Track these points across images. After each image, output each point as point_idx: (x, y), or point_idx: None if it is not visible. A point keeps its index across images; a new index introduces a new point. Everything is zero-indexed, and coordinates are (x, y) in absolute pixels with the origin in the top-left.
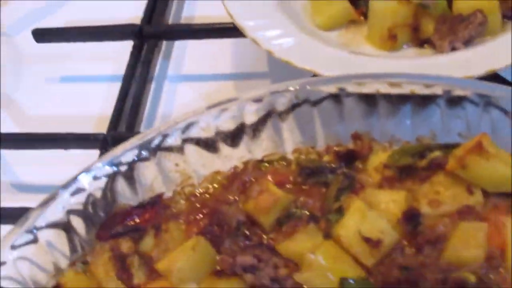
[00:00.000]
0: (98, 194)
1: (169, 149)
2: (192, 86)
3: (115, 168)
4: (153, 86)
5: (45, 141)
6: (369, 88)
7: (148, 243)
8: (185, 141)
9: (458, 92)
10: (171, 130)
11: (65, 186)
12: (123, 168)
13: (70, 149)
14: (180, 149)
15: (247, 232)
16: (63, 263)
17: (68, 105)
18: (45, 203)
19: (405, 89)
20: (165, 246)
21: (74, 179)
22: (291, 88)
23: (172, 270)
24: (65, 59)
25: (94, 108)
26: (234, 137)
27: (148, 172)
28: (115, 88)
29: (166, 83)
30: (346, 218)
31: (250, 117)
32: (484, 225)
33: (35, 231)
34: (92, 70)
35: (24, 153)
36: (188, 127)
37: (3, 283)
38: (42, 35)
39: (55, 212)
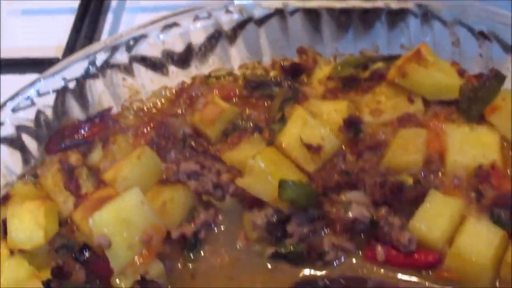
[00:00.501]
0: (48, 110)
1: (117, 66)
2: (150, 16)
3: (62, 83)
4: (110, 16)
5: (1, 67)
6: (313, 3)
7: (96, 155)
8: (133, 59)
9: (399, 5)
10: (118, 43)
11: (11, 98)
12: (71, 84)
13: (26, 74)
14: (128, 67)
15: (193, 144)
16: (14, 176)
17: (28, 37)
18: None
19: (348, 3)
20: (113, 158)
21: (21, 91)
22: (236, 3)
23: (117, 178)
24: None
25: (53, 39)
26: (182, 58)
27: (96, 87)
28: (72, 19)
29: (124, 13)
30: (288, 126)
31: (198, 36)
32: (423, 131)
33: None
34: (52, 3)
35: None
36: (135, 41)
37: None
38: None
39: (5, 128)
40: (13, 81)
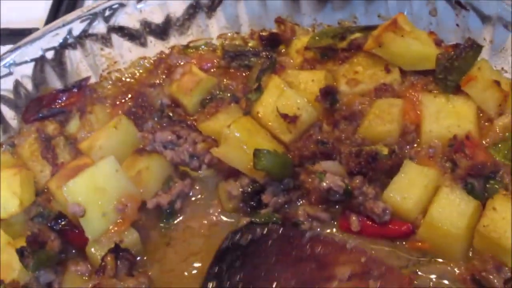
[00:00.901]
0: (26, 80)
1: (95, 35)
2: None
3: (40, 52)
4: None
5: None
6: None
7: (73, 125)
8: (110, 29)
9: None
10: (95, 12)
11: None
12: (49, 53)
13: (7, 45)
14: (105, 36)
15: (171, 114)
16: None
17: (8, 7)
18: None
19: None
20: (90, 127)
21: None
22: None
23: (93, 147)
24: None
25: (35, 10)
26: (161, 29)
27: (74, 57)
28: None
29: None
30: (265, 96)
31: (176, 6)
32: (399, 101)
33: None
34: None
35: None
36: (112, 11)
37: None
38: None
39: None
40: None
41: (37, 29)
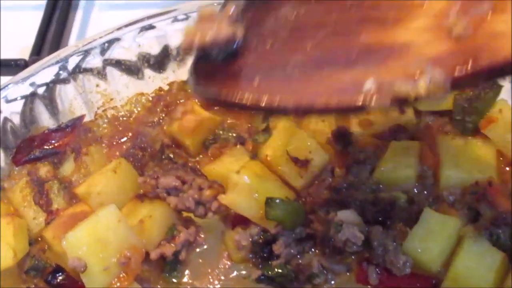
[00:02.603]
0: (15, 117)
1: (90, 70)
2: (121, 14)
3: (31, 89)
4: (80, 13)
5: None
6: None
7: (68, 167)
8: (106, 63)
9: None
10: (91, 47)
11: None
12: (41, 90)
13: None
14: (101, 71)
15: (172, 156)
16: None
17: None
18: None
19: None
20: (86, 170)
21: None
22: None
23: (91, 193)
24: None
25: (18, 37)
26: (159, 61)
27: (67, 93)
28: (39, 17)
29: (94, 11)
30: (273, 138)
31: (175, 38)
32: (416, 144)
33: None
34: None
35: None
36: (109, 45)
37: None
38: None
39: None
40: None
41: (22, 60)
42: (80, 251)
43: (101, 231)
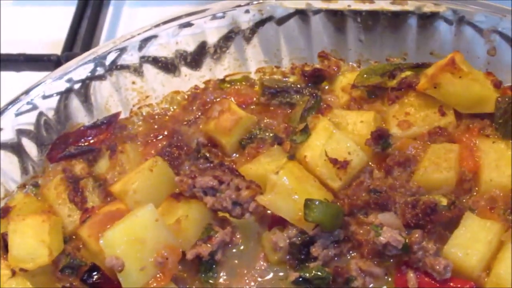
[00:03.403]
0: (50, 113)
1: (126, 67)
2: (152, 10)
3: (67, 85)
4: (111, 9)
5: None
6: (338, 4)
7: (103, 165)
8: (143, 60)
9: (430, 8)
10: (128, 44)
11: (13, 101)
12: (77, 86)
13: (22, 71)
14: (138, 68)
15: (208, 155)
16: (13, 185)
17: (22, 29)
18: None
19: (376, 5)
20: (121, 168)
21: (23, 94)
22: (255, 2)
23: (127, 191)
24: None
25: (49, 32)
26: (195, 58)
27: (103, 90)
28: (71, 11)
29: (125, 7)
30: (312, 139)
31: (212, 36)
32: (456, 147)
33: None
34: None
35: None
36: (146, 42)
37: None
38: None
39: (5, 133)
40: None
41: (55, 55)
42: (118, 250)
43: (139, 231)
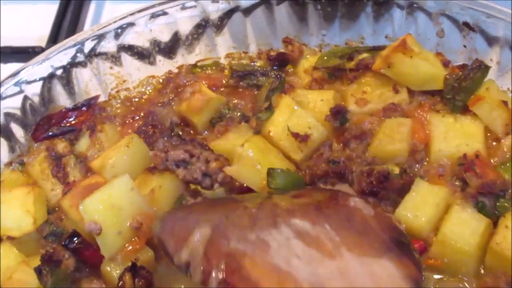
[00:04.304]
0: (35, 97)
1: (104, 54)
2: (133, 6)
3: (50, 70)
4: (93, 5)
5: None
6: None
7: (83, 143)
8: (120, 48)
9: None
10: (106, 31)
11: None
12: (59, 72)
13: (9, 63)
14: (115, 56)
15: (180, 133)
16: (1, 163)
17: (8, 25)
18: None
19: None
20: (100, 146)
21: (9, 78)
22: None
23: (105, 166)
24: None
25: (34, 28)
26: (169, 47)
27: (83, 75)
28: (55, 8)
29: (107, 3)
30: (275, 115)
31: (184, 25)
32: (408, 121)
33: None
34: None
35: None
36: (123, 30)
37: None
38: None
39: None
40: None
41: (39, 47)
42: (96, 216)
43: (116, 198)
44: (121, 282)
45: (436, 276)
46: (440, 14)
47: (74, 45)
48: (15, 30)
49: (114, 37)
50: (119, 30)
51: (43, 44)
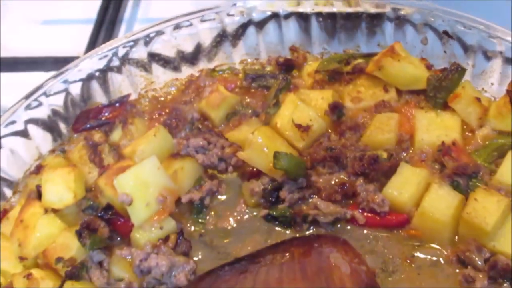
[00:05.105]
0: (76, 95)
1: (135, 60)
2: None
3: (89, 71)
4: (123, 27)
5: (29, 64)
6: (305, 7)
7: (116, 134)
8: (150, 56)
9: (378, 9)
10: (137, 38)
11: (40, 87)
12: (97, 73)
13: (50, 71)
14: (145, 63)
15: (200, 126)
16: (45, 151)
17: (48, 45)
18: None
19: (335, 7)
20: (131, 136)
21: (52, 78)
22: (239, 5)
23: (136, 151)
24: (47, 4)
25: (71, 47)
26: (192, 57)
27: (117, 77)
28: (90, 29)
29: (136, 25)
30: (282, 109)
31: (205, 36)
32: (396, 115)
33: (25, 125)
34: (70, 13)
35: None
36: (151, 38)
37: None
38: None
39: (41, 112)
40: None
41: (77, 57)
42: (128, 189)
43: (144, 175)
44: (166, 237)
45: (418, 244)
46: (424, 24)
47: (110, 49)
48: (56, 43)
49: (144, 44)
50: (147, 39)
51: (81, 55)
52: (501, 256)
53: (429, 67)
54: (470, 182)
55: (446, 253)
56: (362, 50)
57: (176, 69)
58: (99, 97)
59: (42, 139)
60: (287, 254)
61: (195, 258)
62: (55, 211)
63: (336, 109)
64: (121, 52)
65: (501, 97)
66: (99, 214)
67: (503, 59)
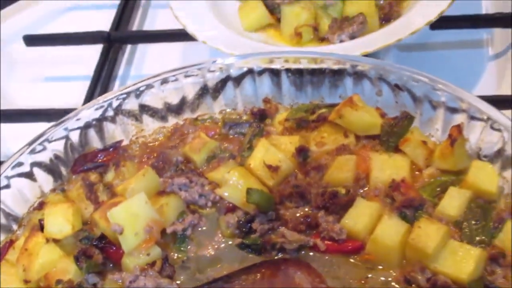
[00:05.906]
0: (75, 141)
1: (128, 111)
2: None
3: (86, 120)
4: (117, 83)
5: (33, 115)
6: (276, 64)
7: (110, 175)
8: (140, 108)
9: (339, 66)
10: (129, 91)
11: (43, 134)
12: (94, 122)
13: (52, 122)
14: (136, 114)
15: (183, 168)
16: (47, 190)
17: (50, 99)
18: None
19: (302, 64)
20: (123, 177)
21: (53, 126)
22: (219, 62)
23: (127, 189)
24: (48, 63)
25: (71, 101)
26: (178, 109)
27: (111, 125)
28: (87, 85)
29: (128, 81)
30: (254, 152)
31: (189, 89)
32: (354, 157)
33: (30, 167)
34: (70, 71)
35: (14, 127)
36: (141, 92)
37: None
38: (31, 40)
39: (44, 156)
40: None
41: (75, 108)
42: (119, 220)
43: (134, 208)
44: (153, 262)
45: (371, 267)
46: (378, 78)
47: (105, 101)
48: (55, 103)
49: (135, 97)
50: (138, 92)
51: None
52: (441, 276)
53: (383, 115)
54: (416, 213)
55: (395, 274)
56: (326, 101)
57: (163, 118)
58: (95, 143)
59: (44, 180)
60: (258, 275)
61: (178, 282)
62: (55, 241)
63: (302, 152)
64: (115, 103)
65: (444, 141)
66: (94, 243)
67: (445, 108)
